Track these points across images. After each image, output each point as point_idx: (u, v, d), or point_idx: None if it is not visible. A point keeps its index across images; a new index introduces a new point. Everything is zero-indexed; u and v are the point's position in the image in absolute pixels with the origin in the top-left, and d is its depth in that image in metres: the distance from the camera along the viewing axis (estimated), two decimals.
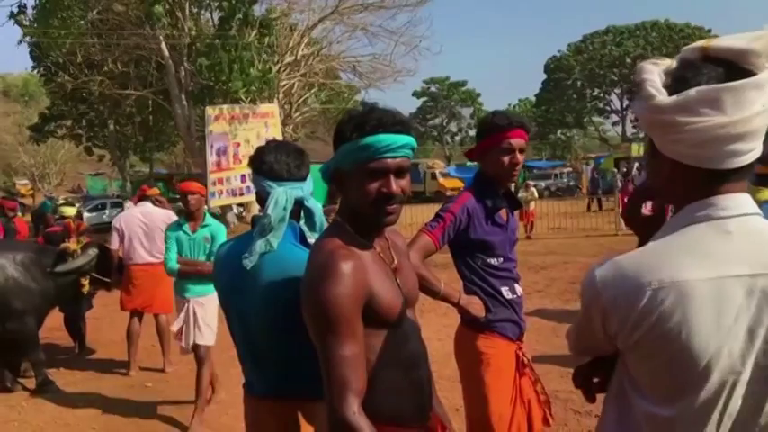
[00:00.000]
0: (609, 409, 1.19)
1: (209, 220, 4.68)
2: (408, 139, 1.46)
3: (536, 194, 16.07)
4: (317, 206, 1.86)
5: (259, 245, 1.79)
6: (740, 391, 1.02)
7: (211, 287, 4.07)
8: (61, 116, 28.78)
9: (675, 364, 1.03)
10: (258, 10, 20.69)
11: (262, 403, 1.84)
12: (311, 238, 1.82)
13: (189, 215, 4.62)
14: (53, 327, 7.08)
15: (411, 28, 23.91)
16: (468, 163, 47.38)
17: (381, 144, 1.41)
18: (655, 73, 1.11)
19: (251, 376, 1.91)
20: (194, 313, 4.48)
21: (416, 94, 66.95)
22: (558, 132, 59.34)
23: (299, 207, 1.87)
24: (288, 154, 1.86)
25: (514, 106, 69.95)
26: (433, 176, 35.09)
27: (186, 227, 4.60)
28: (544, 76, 57.50)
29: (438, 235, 2.45)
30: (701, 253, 1.04)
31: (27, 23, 21.01)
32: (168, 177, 37.46)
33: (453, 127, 70.90)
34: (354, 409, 1.29)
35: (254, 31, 19.52)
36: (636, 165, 24.72)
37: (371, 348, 1.40)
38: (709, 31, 52.91)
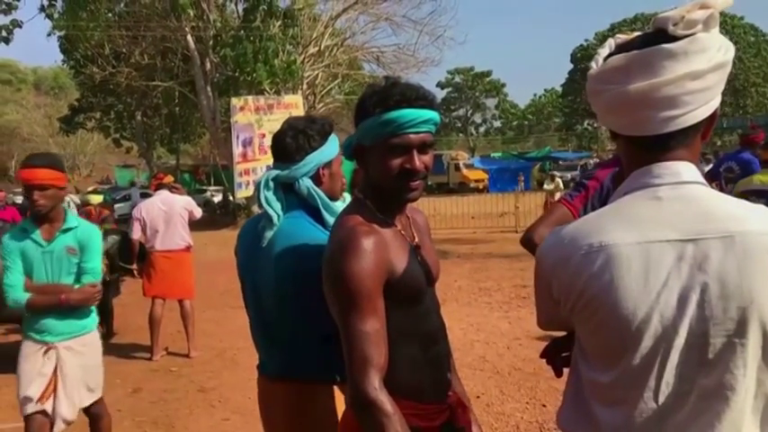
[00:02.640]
0: (568, 381, 1.21)
1: (72, 220, 3.06)
2: (432, 114, 1.43)
3: (561, 185, 15.87)
4: (307, 188, 1.82)
5: (261, 224, 1.83)
6: (675, 357, 1.01)
7: (90, 322, 3.09)
8: (90, 108, 29.32)
9: (607, 328, 1.04)
10: (282, 1, 20.76)
11: (273, 384, 1.84)
12: (330, 218, 1.81)
13: (37, 217, 2.99)
14: None
15: (436, 18, 23.70)
16: (493, 154, 47.14)
17: (404, 119, 1.39)
18: (607, 46, 1.15)
19: (263, 356, 1.91)
20: (61, 368, 2.99)
21: (440, 85, 66.66)
22: (585, 123, 58.56)
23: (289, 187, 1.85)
24: (281, 138, 1.85)
25: (540, 96, 69.26)
26: (457, 167, 34.85)
27: (36, 234, 2.99)
28: (570, 66, 56.70)
29: (578, 205, 2.19)
30: (630, 218, 1.05)
31: (56, 16, 21.36)
32: (194, 168, 37.97)
33: (477, 118, 70.56)
34: (375, 385, 1.28)
35: (279, 22, 19.60)
36: None
37: (392, 324, 1.39)
38: (742, 18, 51.60)
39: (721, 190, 5.18)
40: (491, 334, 6.04)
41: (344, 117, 28.05)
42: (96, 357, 3.19)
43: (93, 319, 3.18)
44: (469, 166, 35.76)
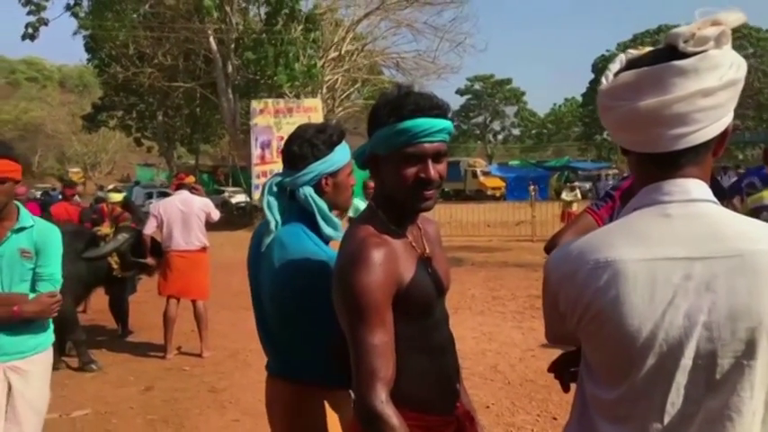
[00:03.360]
0: (575, 397, 1.20)
1: (26, 218, 2.64)
2: (446, 124, 1.43)
3: (579, 196, 15.77)
4: (305, 196, 1.83)
5: (262, 227, 1.87)
6: (680, 377, 0.99)
7: (46, 339, 2.70)
8: (113, 106, 29.76)
9: (612, 344, 1.03)
10: (305, 5, 20.92)
11: (276, 383, 1.86)
12: (328, 229, 1.84)
13: None
14: (98, 309, 7.35)
15: (457, 25, 23.70)
16: (511, 162, 46.92)
17: (419, 128, 1.39)
18: (617, 62, 1.14)
19: (267, 355, 1.94)
20: (11, 392, 2.57)
21: (460, 92, 66.56)
22: (605, 133, 57.98)
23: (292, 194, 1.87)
24: (288, 146, 1.88)
25: (560, 106, 68.83)
26: (474, 175, 34.78)
27: None
28: (592, 76, 56.29)
29: (604, 215, 2.20)
30: (638, 235, 1.04)
31: (82, 15, 21.75)
32: (213, 169, 38.30)
33: (496, 125, 70.27)
34: (382, 398, 1.28)
35: (300, 27, 19.73)
36: None
37: (401, 336, 1.39)
38: None
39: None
40: (503, 344, 6.00)
41: (363, 121, 28.00)
42: (45, 380, 2.72)
43: (50, 335, 2.75)
44: (487, 174, 35.67)
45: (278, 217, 1.84)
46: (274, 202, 1.85)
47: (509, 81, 67.11)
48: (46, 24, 21.45)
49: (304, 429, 1.80)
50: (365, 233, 1.42)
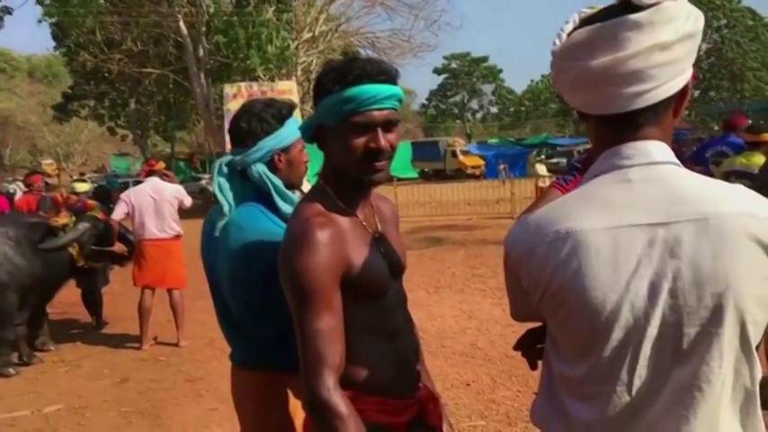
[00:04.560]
0: (541, 374, 1.16)
1: None
2: (395, 90, 1.35)
3: (545, 170, 15.91)
4: (259, 174, 1.75)
5: (215, 212, 1.77)
6: (647, 349, 0.94)
7: None
8: (83, 95, 29.15)
9: (576, 319, 0.98)
10: None
11: (243, 373, 1.79)
12: (286, 206, 1.74)
13: None
14: (71, 302, 7.18)
15: (431, 2, 23.54)
16: (490, 140, 46.91)
17: (366, 95, 1.30)
18: (571, 21, 1.07)
19: (232, 346, 1.86)
20: None
21: (437, 71, 66.35)
22: None
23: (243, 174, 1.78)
24: (235, 122, 1.79)
25: (537, 82, 68.93)
26: (454, 154, 34.72)
27: None
28: None
29: (572, 189, 2.11)
30: (598, 203, 0.99)
31: (47, 2, 21.14)
32: (190, 156, 37.77)
33: (474, 104, 70.23)
34: (329, 385, 1.21)
35: (272, 8, 19.39)
36: None
37: (353, 320, 1.32)
38: (740, 1, 51.22)
39: (710, 175, 5.18)
40: (484, 321, 5.98)
41: None
42: None
43: None
44: (466, 153, 35.62)
45: (231, 199, 1.74)
46: (226, 184, 1.76)
47: (486, 59, 66.98)
48: (10, 13, 20.81)
49: (277, 419, 1.73)
50: (310, 212, 1.34)
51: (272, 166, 1.77)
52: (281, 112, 1.78)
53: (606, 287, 0.94)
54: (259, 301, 1.66)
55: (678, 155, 1.06)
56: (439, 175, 31.91)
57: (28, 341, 5.54)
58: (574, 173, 2.15)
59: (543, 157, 18.89)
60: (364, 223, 1.43)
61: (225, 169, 1.78)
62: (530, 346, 1.33)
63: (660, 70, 0.96)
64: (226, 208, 1.73)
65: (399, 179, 26.68)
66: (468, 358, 4.96)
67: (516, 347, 1.36)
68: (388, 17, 38.49)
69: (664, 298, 0.93)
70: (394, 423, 1.38)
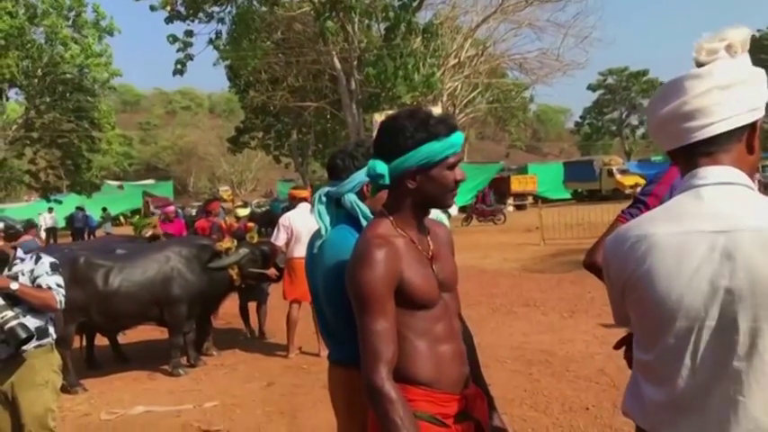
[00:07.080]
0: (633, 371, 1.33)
1: None
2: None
3: None
4: (350, 202, 2.04)
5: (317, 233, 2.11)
6: (707, 339, 1.10)
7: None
8: (253, 128, 32.11)
9: (646, 309, 1.18)
10: (424, 15, 21.32)
11: (336, 369, 2.09)
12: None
13: None
14: (234, 314, 8.11)
15: (581, 19, 22.94)
16: (654, 158, 43.76)
17: (459, 141, 1.66)
18: None
19: (327, 346, 2.18)
20: None
21: (592, 87, 63.57)
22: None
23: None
24: (332, 159, 2.16)
25: None
26: (610, 173, 32.99)
27: None
28: None
29: None
30: (673, 213, 1.19)
31: (222, 48, 23.83)
32: None
33: (634, 120, 66.07)
34: (383, 375, 1.50)
35: (418, 38, 20.15)
36: None
37: (406, 325, 1.59)
38: None
39: None
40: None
41: (487, 126, 27.89)
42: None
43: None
44: (624, 172, 33.69)
45: (328, 223, 2.09)
46: (324, 210, 2.10)
47: (645, 72, 62.96)
48: (192, 59, 23.79)
49: (364, 409, 2.02)
50: (371, 234, 1.64)
51: (360, 195, 2.10)
52: (369, 150, 2.11)
53: (671, 282, 1.14)
54: (347, 309, 1.98)
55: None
56: (594, 196, 30.51)
57: (195, 346, 6.43)
58: (640, 206, 2.14)
59: None
60: (418, 245, 1.70)
61: (323, 198, 2.13)
62: (630, 348, 1.47)
63: (720, 107, 1.17)
64: (323, 230, 2.08)
65: (545, 200, 25.95)
66: (593, 383, 4.89)
67: (617, 347, 1.53)
68: (536, 37, 37.89)
69: (721, 294, 1.10)
70: (441, 413, 1.61)
